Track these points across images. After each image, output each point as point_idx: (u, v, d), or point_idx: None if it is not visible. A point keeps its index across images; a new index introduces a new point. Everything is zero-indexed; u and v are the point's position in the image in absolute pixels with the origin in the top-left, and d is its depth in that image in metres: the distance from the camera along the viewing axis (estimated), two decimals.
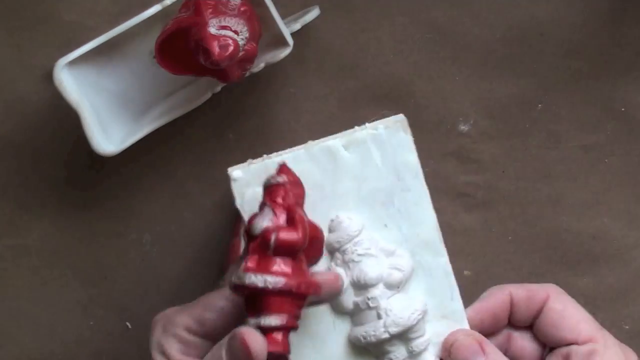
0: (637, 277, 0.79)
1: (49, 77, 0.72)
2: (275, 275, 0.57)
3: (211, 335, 0.60)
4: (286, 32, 0.72)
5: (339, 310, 0.65)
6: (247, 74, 0.70)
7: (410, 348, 0.64)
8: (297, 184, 0.60)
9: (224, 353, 0.57)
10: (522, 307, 0.64)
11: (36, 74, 0.77)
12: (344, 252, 0.64)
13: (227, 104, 0.78)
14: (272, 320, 0.57)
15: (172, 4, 0.70)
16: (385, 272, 0.64)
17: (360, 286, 0.64)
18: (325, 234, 0.64)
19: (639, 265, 0.79)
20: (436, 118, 0.78)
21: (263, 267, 0.57)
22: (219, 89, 0.74)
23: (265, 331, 0.58)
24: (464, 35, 0.78)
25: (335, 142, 0.65)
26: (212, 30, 0.66)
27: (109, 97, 0.74)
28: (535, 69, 0.78)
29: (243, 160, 0.78)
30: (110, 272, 0.79)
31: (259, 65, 0.72)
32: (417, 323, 0.64)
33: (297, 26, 0.73)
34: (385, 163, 0.65)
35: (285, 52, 0.72)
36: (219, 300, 0.61)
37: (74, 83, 0.72)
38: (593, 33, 0.77)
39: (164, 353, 0.61)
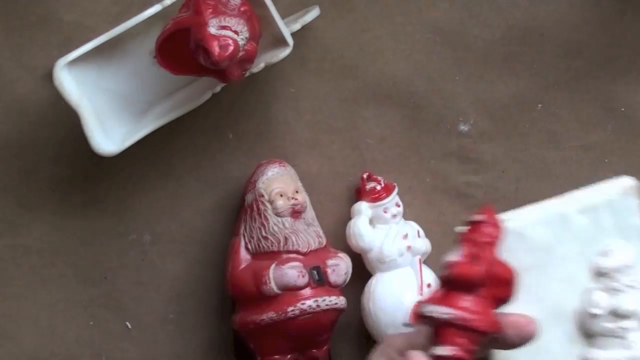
0: None
1: (49, 77, 0.72)
2: (447, 307, 0.59)
3: None
4: (286, 32, 0.72)
5: (582, 330, 0.67)
6: (247, 74, 0.70)
7: None
8: (494, 226, 0.62)
9: None
10: None
11: (36, 74, 0.76)
12: (610, 278, 0.66)
13: (227, 104, 0.78)
14: (442, 350, 0.59)
15: (172, 4, 0.70)
16: None
17: (617, 314, 0.66)
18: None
19: None
20: (436, 118, 0.78)
21: (440, 300, 0.60)
22: (219, 89, 0.74)
23: None
24: (464, 35, 0.78)
25: (569, 208, 0.67)
26: (212, 30, 0.66)
27: (109, 97, 0.74)
28: (535, 69, 0.78)
29: (243, 160, 0.78)
30: (110, 272, 0.79)
31: (259, 65, 0.72)
32: None
33: (297, 26, 0.73)
34: (614, 226, 0.67)
35: (285, 52, 0.72)
36: None
37: (74, 83, 0.72)
38: (593, 33, 0.77)
39: None
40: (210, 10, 0.67)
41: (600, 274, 0.67)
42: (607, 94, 0.78)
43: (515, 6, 0.77)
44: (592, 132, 0.78)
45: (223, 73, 0.68)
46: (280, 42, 0.72)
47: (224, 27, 0.67)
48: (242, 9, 0.68)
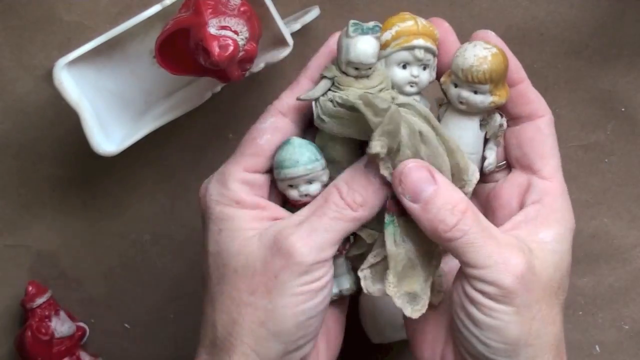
0: (637, 276, 0.79)
1: (49, 77, 0.72)
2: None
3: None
4: (286, 32, 0.72)
5: None
6: (247, 74, 0.70)
7: None
8: None
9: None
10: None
11: (36, 74, 0.77)
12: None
13: (227, 104, 0.78)
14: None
15: (172, 4, 0.70)
16: None
17: None
18: None
19: (638, 265, 0.79)
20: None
21: None
22: (219, 89, 0.74)
23: None
24: (464, 35, 0.78)
25: None
26: (212, 30, 0.66)
27: (109, 97, 0.74)
28: (535, 69, 0.78)
29: None
30: (110, 272, 0.79)
31: (259, 65, 0.72)
32: None
33: (297, 26, 0.73)
34: None
35: (285, 52, 0.72)
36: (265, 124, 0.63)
37: (74, 83, 0.72)
38: (593, 33, 0.77)
39: (233, 201, 0.60)
40: (210, 10, 0.67)
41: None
42: (607, 94, 0.78)
43: (515, 6, 0.77)
44: (592, 132, 0.78)
45: (223, 73, 0.68)
46: (280, 42, 0.72)
47: (224, 27, 0.67)
48: (242, 9, 0.68)
